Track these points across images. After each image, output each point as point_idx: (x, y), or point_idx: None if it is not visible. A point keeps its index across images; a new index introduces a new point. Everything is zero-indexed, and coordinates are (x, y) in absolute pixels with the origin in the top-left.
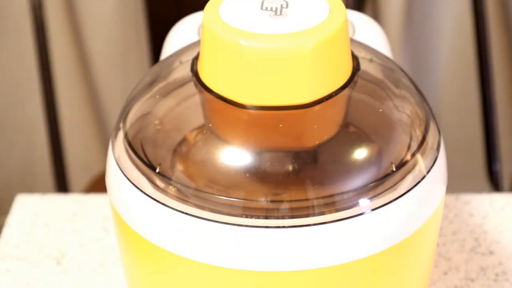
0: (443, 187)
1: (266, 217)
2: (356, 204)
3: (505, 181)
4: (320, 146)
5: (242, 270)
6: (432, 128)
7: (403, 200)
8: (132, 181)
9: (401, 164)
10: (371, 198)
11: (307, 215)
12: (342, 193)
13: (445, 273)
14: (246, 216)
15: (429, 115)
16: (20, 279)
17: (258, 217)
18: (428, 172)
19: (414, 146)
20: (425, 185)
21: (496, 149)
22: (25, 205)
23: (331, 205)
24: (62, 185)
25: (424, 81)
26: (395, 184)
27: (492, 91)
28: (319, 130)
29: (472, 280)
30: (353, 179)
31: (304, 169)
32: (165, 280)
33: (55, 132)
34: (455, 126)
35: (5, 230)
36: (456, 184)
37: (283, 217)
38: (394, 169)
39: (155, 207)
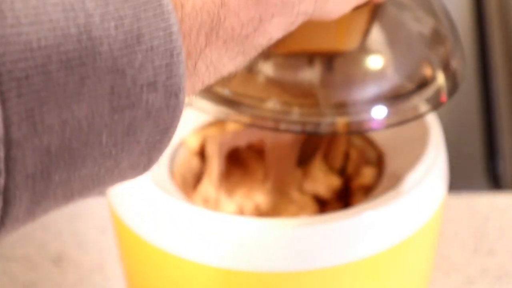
0: (443, 187)
1: (267, 218)
2: (369, 116)
3: (506, 181)
4: (341, 55)
5: (242, 270)
6: (456, 50)
7: (404, 200)
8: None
9: (423, 83)
10: (383, 117)
11: (319, 125)
12: (356, 101)
13: (446, 274)
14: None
15: (456, 38)
16: (18, 280)
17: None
18: (428, 172)
19: (436, 62)
20: (425, 185)
21: (497, 148)
22: None
23: (342, 108)
24: None
25: None
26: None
27: (493, 90)
28: (343, 38)
29: (473, 281)
30: (370, 85)
31: (321, 78)
32: (164, 280)
33: None
34: (455, 125)
35: None
36: (457, 183)
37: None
38: (414, 86)
39: (154, 207)
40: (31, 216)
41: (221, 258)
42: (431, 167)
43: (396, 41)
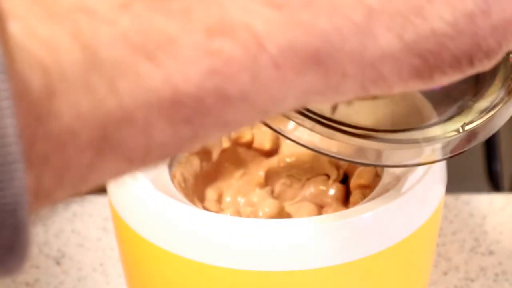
0: (442, 187)
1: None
2: None
3: (505, 181)
4: None
5: (242, 270)
6: None
7: (403, 200)
8: (132, 181)
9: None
10: None
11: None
12: None
13: (445, 273)
14: None
15: None
16: (19, 279)
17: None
18: (427, 172)
19: None
20: (424, 185)
21: (496, 149)
22: None
23: None
24: None
25: None
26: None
27: None
28: None
29: (472, 280)
30: None
31: None
32: (165, 280)
33: None
34: None
35: None
36: (456, 184)
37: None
38: None
39: (155, 207)
40: None
41: (222, 257)
42: (430, 167)
43: None
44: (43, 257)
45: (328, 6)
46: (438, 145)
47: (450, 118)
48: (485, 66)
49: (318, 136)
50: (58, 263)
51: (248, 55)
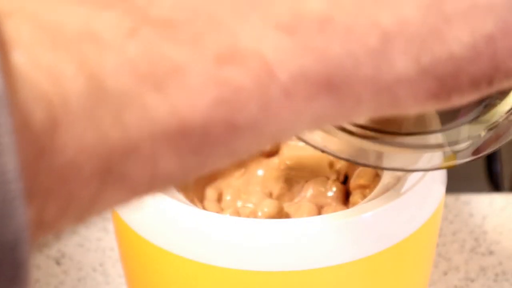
0: (442, 187)
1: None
2: None
3: (505, 181)
4: None
5: (242, 270)
6: None
7: (403, 200)
8: None
9: None
10: None
11: None
12: None
13: (445, 273)
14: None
15: None
16: None
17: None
18: (427, 172)
19: None
20: (424, 185)
21: (496, 149)
22: None
23: None
24: None
25: None
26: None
27: None
28: None
29: (472, 280)
30: None
31: None
32: (165, 280)
33: None
34: None
35: None
36: (456, 184)
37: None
38: None
39: (155, 207)
40: None
41: (221, 257)
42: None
43: None
44: (43, 257)
45: (343, 30)
46: (462, 146)
47: (476, 118)
48: (504, 86)
49: (321, 135)
50: (58, 263)
51: (257, 84)
